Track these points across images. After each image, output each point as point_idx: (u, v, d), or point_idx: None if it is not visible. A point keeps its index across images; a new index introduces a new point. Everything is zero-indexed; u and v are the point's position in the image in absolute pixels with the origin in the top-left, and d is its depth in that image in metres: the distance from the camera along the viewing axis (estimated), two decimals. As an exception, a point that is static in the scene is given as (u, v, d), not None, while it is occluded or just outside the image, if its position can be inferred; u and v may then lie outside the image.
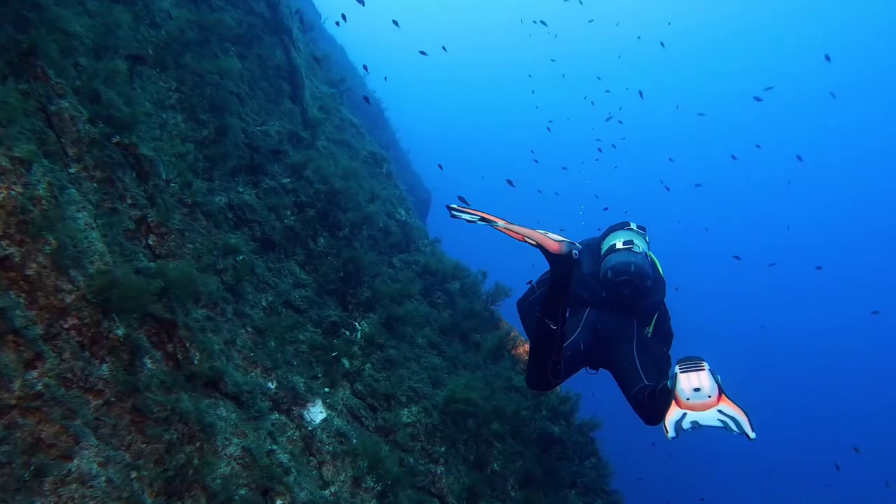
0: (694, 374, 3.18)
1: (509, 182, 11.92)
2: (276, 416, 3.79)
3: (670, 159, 37.16)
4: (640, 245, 4.10)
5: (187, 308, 3.43)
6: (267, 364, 3.89)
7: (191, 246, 3.76)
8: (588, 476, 5.54)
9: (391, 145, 18.74)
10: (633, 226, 4.34)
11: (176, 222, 3.74)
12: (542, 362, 3.67)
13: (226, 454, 3.19)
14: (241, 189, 4.79)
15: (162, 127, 4.37)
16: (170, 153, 4.16)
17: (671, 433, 3.12)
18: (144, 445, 2.82)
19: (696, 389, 3.12)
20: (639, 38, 35.12)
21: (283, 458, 3.46)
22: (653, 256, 4.34)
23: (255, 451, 3.31)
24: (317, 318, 4.49)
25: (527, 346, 6.55)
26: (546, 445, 5.40)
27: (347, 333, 4.61)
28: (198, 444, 3.07)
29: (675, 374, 3.23)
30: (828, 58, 19.71)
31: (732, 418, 3.07)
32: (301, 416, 3.89)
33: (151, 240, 3.56)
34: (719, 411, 3.11)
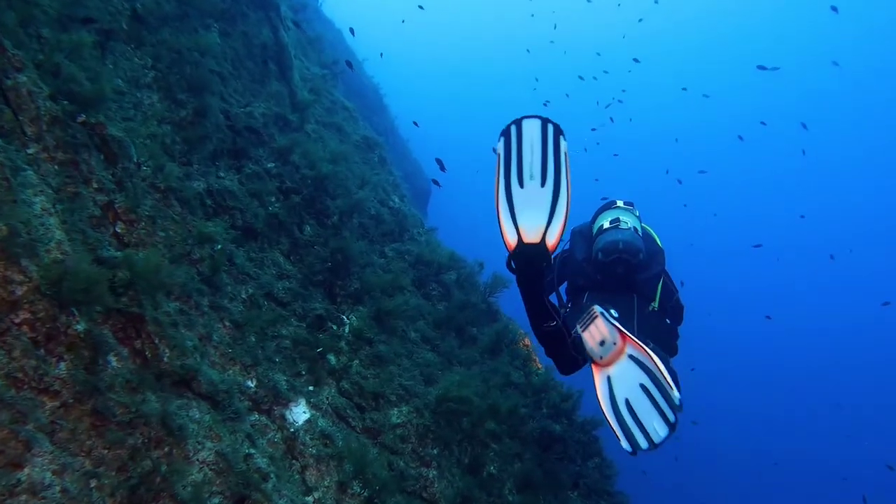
0: (592, 325, 3.19)
1: (494, 151, 11.59)
2: (255, 416, 3.60)
3: (676, 139, 36.68)
4: (627, 221, 4.09)
5: (157, 301, 3.23)
6: (246, 361, 3.70)
7: (163, 234, 3.56)
8: (591, 477, 5.36)
9: (390, 132, 18.50)
10: (619, 203, 4.33)
11: (147, 209, 3.54)
12: (561, 352, 3.56)
13: (198, 459, 3.00)
14: (222, 174, 4.58)
15: (136, 107, 4.16)
16: (143, 135, 3.94)
17: (615, 426, 3.07)
18: (106, 451, 2.63)
19: (602, 343, 3.13)
20: (640, 20, 34.69)
21: (262, 462, 3.28)
22: (648, 229, 4.32)
23: (231, 456, 3.12)
24: (301, 312, 4.29)
25: (527, 340, 6.38)
26: (547, 445, 5.22)
27: (334, 328, 4.41)
28: (166, 449, 2.88)
29: (579, 335, 3.24)
30: (835, 9, 19.23)
31: (649, 371, 2.98)
32: (283, 417, 3.70)
33: (119, 227, 3.36)
34: (631, 357, 3.06)
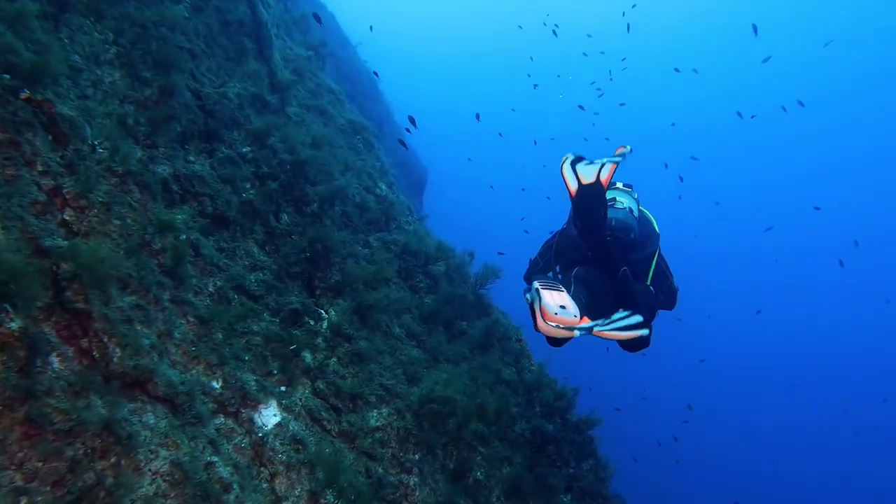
0: (556, 292, 3.27)
1: (477, 116, 11.32)
2: (220, 420, 3.35)
3: (673, 124, 36.12)
4: (623, 201, 4.21)
5: (109, 295, 2.96)
6: (211, 360, 3.44)
7: (118, 222, 3.28)
8: (585, 479, 5.12)
9: (385, 119, 18.13)
10: (619, 185, 4.46)
11: (101, 194, 3.26)
12: None
13: (150, 470, 2.74)
14: (191, 158, 4.30)
15: (95, 84, 3.87)
16: (101, 114, 3.66)
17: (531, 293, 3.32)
18: (40, 464, 2.37)
19: (562, 307, 3.17)
20: (634, 6, 34.08)
21: (225, 471, 3.02)
22: (646, 212, 4.43)
23: (189, 465, 2.86)
24: (275, 306, 4.02)
25: (521, 335, 6.13)
26: (539, 446, 4.98)
27: (311, 323, 4.15)
28: (112, 460, 2.62)
29: (536, 287, 3.29)
30: None
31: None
32: (251, 420, 3.45)
33: (68, 214, 3.08)
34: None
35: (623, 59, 27.18)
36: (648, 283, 4.13)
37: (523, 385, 5.43)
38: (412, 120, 7.12)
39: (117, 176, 3.47)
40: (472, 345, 5.45)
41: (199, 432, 3.10)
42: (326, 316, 4.27)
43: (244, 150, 4.68)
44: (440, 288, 5.61)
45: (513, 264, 6.17)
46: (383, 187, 6.29)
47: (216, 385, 3.41)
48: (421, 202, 21.09)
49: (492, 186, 28.92)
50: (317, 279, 4.52)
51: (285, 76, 5.84)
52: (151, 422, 2.90)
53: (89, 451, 2.55)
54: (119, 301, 3.05)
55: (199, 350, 3.41)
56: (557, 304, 3.15)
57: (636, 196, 4.37)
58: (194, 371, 3.35)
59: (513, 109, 31.75)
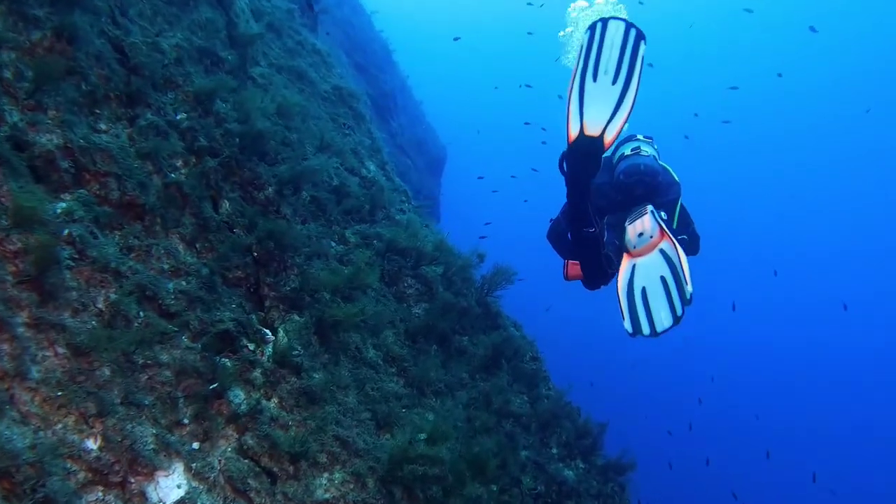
0: (638, 219, 3.72)
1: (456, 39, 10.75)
2: (97, 495, 2.43)
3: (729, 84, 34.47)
4: (647, 150, 4.52)
5: None
6: (88, 408, 2.52)
7: (-55, 213, 2.35)
8: (613, 545, 4.15)
9: (399, 91, 17.20)
10: (639, 136, 4.81)
11: (-80, 172, 2.33)
12: (594, 262, 4.04)
13: None
14: (102, 126, 3.37)
15: (-41, 24, 2.95)
16: (-41, 63, 2.75)
17: (625, 307, 3.51)
18: None
19: (640, 234, 3.66)
20: None
21: (77, 586, 2.10)
22: (665, 164, 4.71)
23: (11, 586, 1.94)
24: (198, 326, 3.08)
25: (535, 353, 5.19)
26: (555, 503, 4.01)
27: (250, 348, 3.20)
28: None
29: (624, 227, 3.76)
30: None
31: (673, 266, 3.40)
32: (143, 495, 2.52)
33: None
34: (661, 251, 3.53)
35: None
36: (675, 224, 4.44)
37: (537, 419, 4.46)
38: (310, 5, 6.32)
39: (-42, 147, 2.54)
40: (475, 367, 4.48)
41: (47, 524, 2.19)
42: (274, 339, 3.32)
43: (178, 117, 3.73)
44: (435, 295, 4.62)
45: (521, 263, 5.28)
46: (372, 168, 5.31)
47: (92, 445, 2.49)
48: (439, 183, 20.10)
49: (480, 177, 27.99)
50: (266, 287, 3.57)
51: (250, 29, 4.87)
52: (-41, 518, 1.99)
53: None
54: (-71, 331, 2.13)
55: (71, 395, 2.49)
56: (637, 233, 3.63)
57: (657, 147, 4.66)
58: (59, 426, 2.43)
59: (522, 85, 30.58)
